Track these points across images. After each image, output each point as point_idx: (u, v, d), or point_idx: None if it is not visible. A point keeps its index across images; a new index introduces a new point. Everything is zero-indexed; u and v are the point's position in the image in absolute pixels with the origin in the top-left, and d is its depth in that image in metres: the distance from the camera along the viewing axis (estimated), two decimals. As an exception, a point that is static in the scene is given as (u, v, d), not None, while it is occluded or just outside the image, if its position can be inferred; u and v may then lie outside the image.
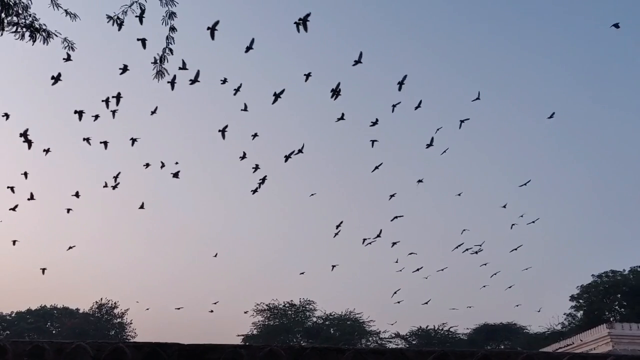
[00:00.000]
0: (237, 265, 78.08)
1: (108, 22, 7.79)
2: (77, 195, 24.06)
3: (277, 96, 18.87)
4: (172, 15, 7.74)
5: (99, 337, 47.70)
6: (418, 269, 32.34)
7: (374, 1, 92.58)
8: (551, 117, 24.47)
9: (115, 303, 59.24)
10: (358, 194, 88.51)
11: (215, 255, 35.66)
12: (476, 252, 30.62)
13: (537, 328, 55.68)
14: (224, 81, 19.35)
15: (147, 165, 22.65)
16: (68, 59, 16.78)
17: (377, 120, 21.30)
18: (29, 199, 21.71)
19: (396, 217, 27.99)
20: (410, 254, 30.69)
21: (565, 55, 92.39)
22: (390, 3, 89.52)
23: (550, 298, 73.13)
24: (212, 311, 36.88)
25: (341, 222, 27.34)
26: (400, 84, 19.28)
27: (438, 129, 23.13)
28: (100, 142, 21.70)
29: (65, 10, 7.70)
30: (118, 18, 7.64)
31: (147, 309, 45.07)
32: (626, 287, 49.02)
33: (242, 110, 20.31)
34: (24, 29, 7.60)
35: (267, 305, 58.42)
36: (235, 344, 4.01)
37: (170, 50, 8.01)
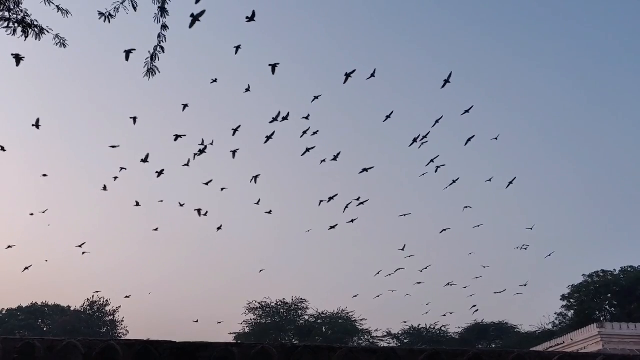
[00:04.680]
0: (230, 264, 78.06)
1: (100, 18, 7.74)
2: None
3: (348, 76, 19.66)
4: (164, 12, 7.70)
5: (91, 335, 47.48)
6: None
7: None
8: None
9: (106, 300, 59.05)
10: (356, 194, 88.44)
11: (261, 271, 37.74)
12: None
13: (528, 327, 56.07)
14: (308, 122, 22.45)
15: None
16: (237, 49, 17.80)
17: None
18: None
19: (407, 253, 29.89)
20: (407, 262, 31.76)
21: (559, 57, 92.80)
22: (387, 7, 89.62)
23: (541, 297, 73.60)
24: (196, 321, 38.93)
25: (404, 245, 29.93)
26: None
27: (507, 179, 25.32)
28: (114, 146, 23.08)
29: (57, 6, 7.65)
30: (110, 15, 7.59)
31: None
32: (617, 287, 49.27)
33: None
34: (16, 25, 7.55)
35: (259, 303, 58.39)
36: (227, 342, 4.00)
37: (162, 48, 7.95)
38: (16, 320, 57.48)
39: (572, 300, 52.16)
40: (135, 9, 7.51)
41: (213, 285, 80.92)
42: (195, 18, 14.94)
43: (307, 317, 59.54)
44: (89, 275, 69.75)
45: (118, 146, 23.76)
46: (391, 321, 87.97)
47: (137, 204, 26.51)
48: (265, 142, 22.22)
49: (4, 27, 7.56)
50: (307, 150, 23.01)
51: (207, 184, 25.70)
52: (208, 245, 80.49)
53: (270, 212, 27.75)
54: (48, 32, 7.76)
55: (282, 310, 59.12)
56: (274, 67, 18.32)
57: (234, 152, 23.53)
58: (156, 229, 30.79)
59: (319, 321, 59.07)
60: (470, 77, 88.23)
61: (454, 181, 24.88)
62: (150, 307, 75.25)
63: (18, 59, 14.95)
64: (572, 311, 51.95)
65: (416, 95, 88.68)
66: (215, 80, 21.61)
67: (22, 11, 7.57)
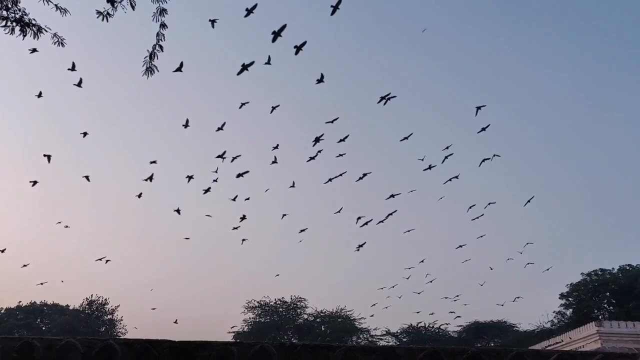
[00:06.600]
0: (229, 263, 78.02)
1: (97, 17, 7.72)
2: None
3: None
4: (162, 11, 7.68)
5: (90, 334, 47.46)
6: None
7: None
8: None
9: (105, 300, 58.97)
10: (355, 192, 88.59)
11: (277, 275, 39.06)
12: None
13: (527, 326, 56.14)
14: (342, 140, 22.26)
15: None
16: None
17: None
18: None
19: (408, 263, 31.13)
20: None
21: (559, 58, 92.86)
22: (388, 7, 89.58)
23: (540, 296, 73.68)
24: (176, 322, 39.89)
25: (423, 260, 31.44)
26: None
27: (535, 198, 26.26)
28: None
29: (56, 5, 7.63)
30: (108, 13, 7.58)
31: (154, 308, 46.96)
32: (615, 286, 49.32)
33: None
34: (14, 24, 7.53)
35: (258, 302, 58.38)
36: (226, 341, 4.00)
37: (161, 47, 7.94)
38: (15, 319, 57.35)
39: (570, 299, 52.20)
40: (133, 7, 7.50)
41: (212, 285, 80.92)
42: (244, 67, 15.29)
43: (306, 316, 59.56)
44: (88, 275, 69.77)
45: (156, 162, 24.66)
46: (390, 320, 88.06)
47: (178, 211, 27.16)
48: (308, 160, 23.86)
49: (2, 26, 7.54)
50: (330, 180, 24.62)
51: (233, 199, 26.74)
52: (207, 245, 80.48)
53: (304, 230, 29.39)
54: (46, 31, 7.74)
55: (281, 309, 59.11)
56: (298, 47, 16.32)
57: (274, 160, 24.83)
58: (187, 238, 32.31)
59: (317, 320, 59.07)
60: (469, 77, 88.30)
61: (470, 207, 26.26)
62: (149, 306, 75.22)
63: (79, 83, 15.24)
64: (571, 310, 52.01)
65: (417, 97, 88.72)
66: (244, 104, 21.85)
67: (20, 10, 7.55)
